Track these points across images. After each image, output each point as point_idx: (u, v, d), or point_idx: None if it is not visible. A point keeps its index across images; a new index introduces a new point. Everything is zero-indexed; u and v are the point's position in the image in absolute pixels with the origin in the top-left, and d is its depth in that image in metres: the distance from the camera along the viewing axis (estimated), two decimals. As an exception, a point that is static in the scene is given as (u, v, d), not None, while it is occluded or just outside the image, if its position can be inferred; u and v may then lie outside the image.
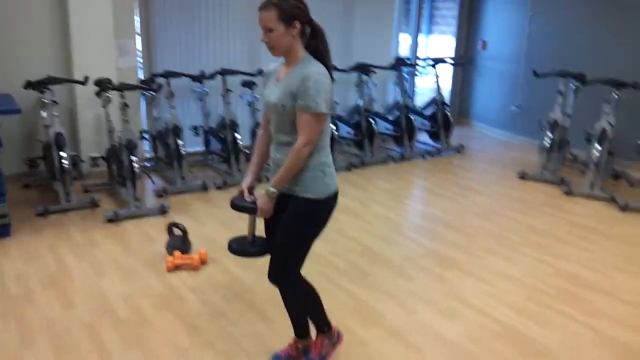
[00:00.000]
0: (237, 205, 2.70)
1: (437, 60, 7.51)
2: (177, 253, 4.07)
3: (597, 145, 5.70)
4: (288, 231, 2.65)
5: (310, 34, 2.57)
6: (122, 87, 5.17)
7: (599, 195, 5.71)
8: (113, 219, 4.84)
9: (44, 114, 5.19)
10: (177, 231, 4.28)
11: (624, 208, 5.38)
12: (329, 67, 2.57)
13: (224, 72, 6.20)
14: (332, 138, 2.63)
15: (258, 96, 6.31)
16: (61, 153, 4.98)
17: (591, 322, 3.47)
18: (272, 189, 2.58)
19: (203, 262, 4.09)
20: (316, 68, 2.50)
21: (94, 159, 5.49)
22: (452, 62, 7.97)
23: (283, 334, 3.16)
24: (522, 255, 4.45)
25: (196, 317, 3.45)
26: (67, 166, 4.99)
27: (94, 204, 5.16)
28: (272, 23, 2.44)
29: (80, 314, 3.44)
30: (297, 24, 2.48)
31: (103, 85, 5.28)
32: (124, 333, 3.26)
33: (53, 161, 5.04)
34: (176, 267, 4.01)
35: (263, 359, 3.02)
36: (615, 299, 3.77)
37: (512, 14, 8.05)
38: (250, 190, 2.74)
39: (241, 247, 2.84)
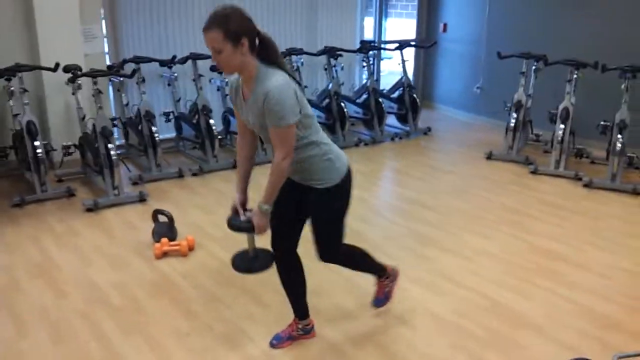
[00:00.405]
0: (234, 226, 2.74)
1: (403, 43, 7.60)
2: (164, 240, 4.07)
3: (560, 125, 5.93)
4: (322, 219, 2.79)
5: (259, 46, 2.49)
6: (96, 74, 5.09)
7: (563, 173, 5.94)
8: (92, 208, 4.79)
9: (11, 102, 5.10)
10: (162, 218, 4.28)
11: (588, 185, 5.63)
12: (286, 71, 2.55)
13: (194, 57, 6.16)
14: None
15: (227, 80, 6.28)
16: (35, 142, 4.88)
17: (569, 295, 3.65)
18: (264, 206, 2.62)
19: (191, 248, 4.11)
20: (273, 81, 2.44)
21: (66, 147, 5.38)
22: (419, 45, 8.07)
23: (278, 316, 3.24)
24: (496, 232, 4.62)
25: (191, 302, 3.48)
26: (41, 155, 4.89)
27: (70, 194, 5.09)
28: (219, 44, 2.37)
29: (73, 303, 3.43)
30: (245, 41, 2.40)
31: (75, 72, 5.18)
32: (121, 320, 3.28)
33: (25, 150, 4.93)
34: (164, 254, 4.02)
35: (263, 339, 3.09)
36: (589, 272, 3.97)
37: (472, -5, 8.19)
38: (244, 206, 2.77)
39: (245, 263, 2.90)
